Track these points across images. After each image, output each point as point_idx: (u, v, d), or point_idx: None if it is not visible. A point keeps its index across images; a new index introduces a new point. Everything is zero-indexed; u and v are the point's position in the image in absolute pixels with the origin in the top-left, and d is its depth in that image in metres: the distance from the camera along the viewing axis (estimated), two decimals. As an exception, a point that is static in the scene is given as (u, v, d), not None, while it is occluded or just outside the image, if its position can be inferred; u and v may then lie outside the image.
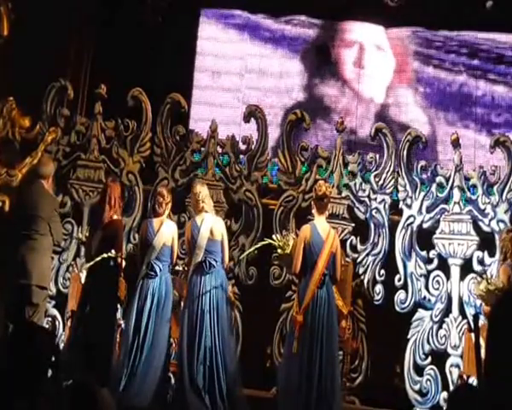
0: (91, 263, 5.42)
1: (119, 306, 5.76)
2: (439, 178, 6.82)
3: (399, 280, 6.64)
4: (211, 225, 5.60)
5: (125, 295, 5.70)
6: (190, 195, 6.24)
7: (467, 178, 6.80)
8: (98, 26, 9.10)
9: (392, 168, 6.96)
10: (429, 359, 6.44)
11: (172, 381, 5.54)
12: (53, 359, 3.79)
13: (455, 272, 6.53)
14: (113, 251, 5.43)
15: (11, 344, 3.72)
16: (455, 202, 6.70)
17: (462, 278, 6.48)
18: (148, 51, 8.93)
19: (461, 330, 6.34)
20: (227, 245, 5.74)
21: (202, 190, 5.70)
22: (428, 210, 6.76)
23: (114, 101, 7.32)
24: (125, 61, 8.56)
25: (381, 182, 6.92)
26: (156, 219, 5.76)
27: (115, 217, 5.73)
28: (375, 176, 6.94)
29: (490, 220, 6.60)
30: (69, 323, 6.11)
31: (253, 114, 7.25)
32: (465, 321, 6.32)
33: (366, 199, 6.90)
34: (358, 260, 6.74)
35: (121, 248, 5.70)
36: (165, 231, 5.65)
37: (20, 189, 6.58)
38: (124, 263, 5.63)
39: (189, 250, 5.65)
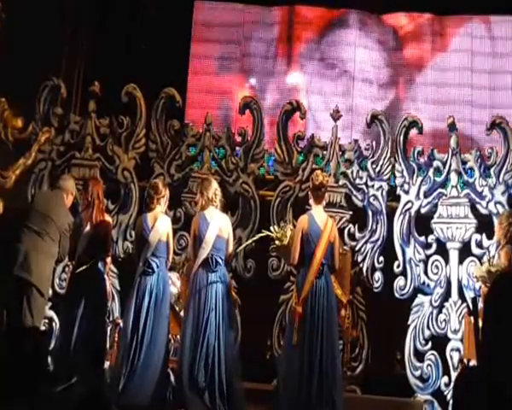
0: (84, 267, 5.40)
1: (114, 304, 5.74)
2: (435, 163, 6.81)
3: (398, 266, 6.63)
4: (220, 221, 5.49)
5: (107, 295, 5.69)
6: (194, 190, 6.19)
7: (464, 162, 6.78)
8: (91, 23, 9.07)
9: (388, 154, 6.94)
10: (430, 344, 6.44)
11: (172, 378, 5.49)
12: (49, 359, 3.79)
13: (453, 255, 6.52)
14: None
15: (9, 345, 3.73)
16: (452, 186, 6.69)
17: (460, 261, 6.48)
18: (142, 47, 8.91)
19: (460, 313, 6.34)
20: (232, 243, 5.60)
21: (217, 186, 5.65)
22: (426, 195, 6.75)
23: (108, 98, 7.29)
24: (119, 57, 8.54)
25: (378, 169, 6.90)
26: (150, 213, 5.57)
27: (106, 217, 5.71)
28: (372, 163, 6.92)
29: (487, 203, 6.59)
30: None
31: (249, 105, 7.22)
32: (464, 305, 6.32)
33: (363, 186, 6.88)
34: (357, 247, 6.73)
35: (110, 250, 5.70)
36: (160, 227, 5.54)
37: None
38: (110, 265, 5.61)
39: (194, 244, 5.48)
